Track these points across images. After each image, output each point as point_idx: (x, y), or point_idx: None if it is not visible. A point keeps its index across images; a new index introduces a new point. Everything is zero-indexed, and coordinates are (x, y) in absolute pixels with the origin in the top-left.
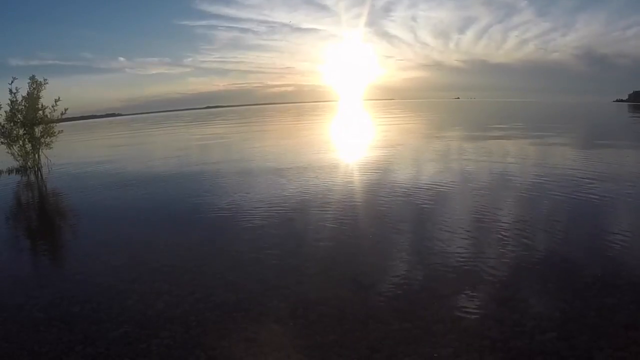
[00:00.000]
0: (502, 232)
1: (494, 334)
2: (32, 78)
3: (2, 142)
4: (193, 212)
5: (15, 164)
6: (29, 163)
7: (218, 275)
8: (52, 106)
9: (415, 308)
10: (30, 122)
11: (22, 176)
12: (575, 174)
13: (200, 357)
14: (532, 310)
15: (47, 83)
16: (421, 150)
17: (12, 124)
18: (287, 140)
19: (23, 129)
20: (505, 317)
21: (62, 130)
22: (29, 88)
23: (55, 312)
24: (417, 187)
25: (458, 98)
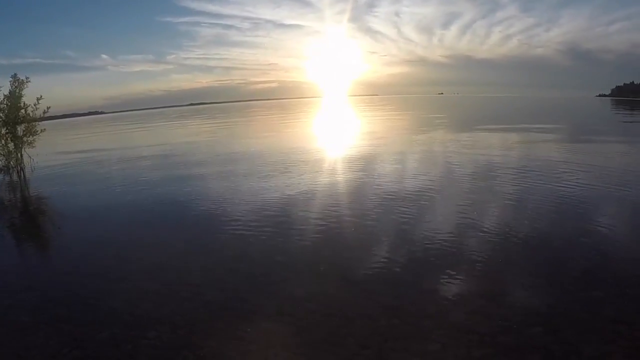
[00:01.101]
0: (488, 227)
1: (482, 329)
2: (14, 76)
3: None
4: (179, 211)
5: None
6: (11, 162)
7: (204, 273)
8: (34, 105)
9: (402, 304)
10: (13, 120)
11: (4, 175)
12: (561, 168)
13: (188, 357)
14: (520, 305)
15: (29, 81)
16: (404, 145)
17: None
18: (270, 138)
19: (5, 128)
20: (492, 312)
21: (44, 129)
22: (11, 87)
23: (42, 314)
24: (401, 185)
25: (442, 93)
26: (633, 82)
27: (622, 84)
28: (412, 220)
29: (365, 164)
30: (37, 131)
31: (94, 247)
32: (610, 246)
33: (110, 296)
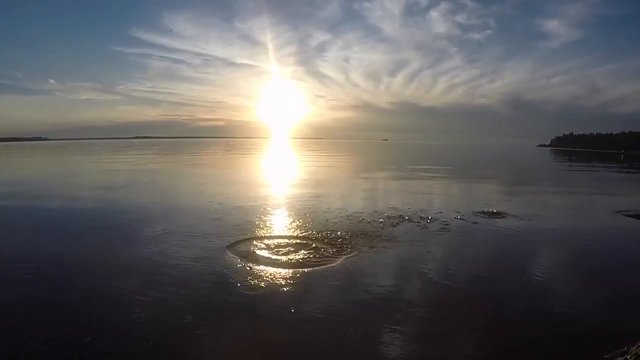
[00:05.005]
0: (428, 269)
1: None
2: None
3: None
4: (115, 241)
5: None
6: None
7: (141, 308)
8: None
9: (341, 343)
10: None
11: None
12: (500, 211)
13: None
14: (458, 347)
15: None
16: (343, 187)
17: None
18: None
19: None
20: (431, 353)
21: None
22: None
23: None
24: (338, 224)
25: (386, 139)
26: (572, 132)
27: (561, 135)
28: (350, 263)
29: (302, 205)
30: None
31: (27, 275)
32: (546, 288)
33: (42, 328)
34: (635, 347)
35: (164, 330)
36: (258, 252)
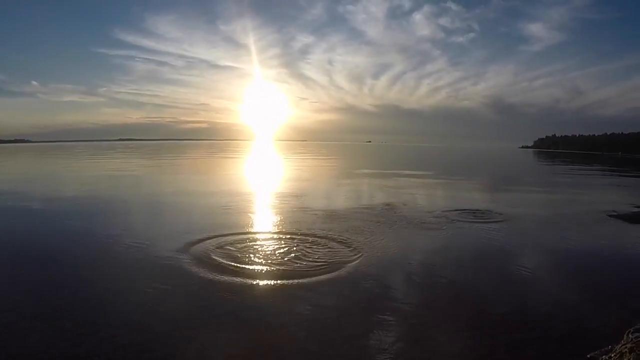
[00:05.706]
0: (412, 273)
1: None
2: None
3: None
4: (98, 248)
5: None
6: None
7: (124, 314)
8: None
9: (324, 348)
10: None
11: None
12: (481, 213)
13: None
14: (443, 349)
15: None
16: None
17: None
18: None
19: None
20: (415, 357)
21: None
22: None
23: None
24: (323, 225)
25: (370, 141)
26: (554, 134)
27: (544, 137)
28: (334, 267)
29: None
30: None
31: (8, 281)
32: (529, 291)
33: (24, 333)
34: (620, 345)
35: (146, 336)
36: (240, 255)
